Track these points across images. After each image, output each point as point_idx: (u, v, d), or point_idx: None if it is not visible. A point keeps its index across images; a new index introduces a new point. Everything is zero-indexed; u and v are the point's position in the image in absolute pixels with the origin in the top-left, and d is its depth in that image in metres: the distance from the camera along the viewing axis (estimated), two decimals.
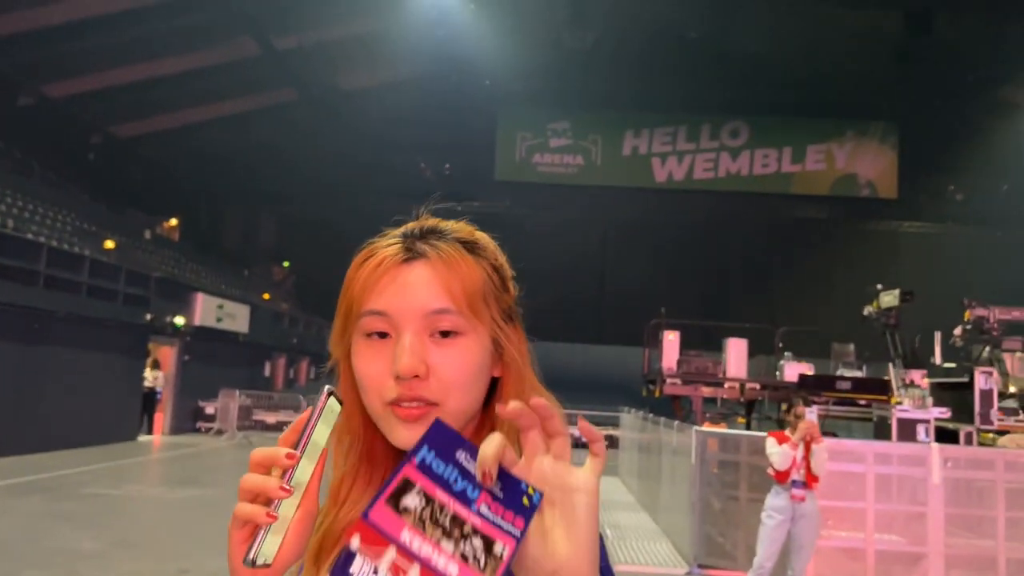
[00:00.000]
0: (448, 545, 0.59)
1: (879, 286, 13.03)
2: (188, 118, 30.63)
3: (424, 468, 0.61)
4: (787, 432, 5.52)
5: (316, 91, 30.54)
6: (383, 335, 0.79)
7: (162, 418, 17.40)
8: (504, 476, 0.62)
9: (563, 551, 0.61)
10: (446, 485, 0.61)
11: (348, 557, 0.57)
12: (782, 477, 5.37)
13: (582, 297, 33.42)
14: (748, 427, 12.62)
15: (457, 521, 0.60)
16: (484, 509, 0.61)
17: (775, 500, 5.41)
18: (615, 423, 19.36)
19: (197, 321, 17.90)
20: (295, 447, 0.70)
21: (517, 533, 0.60)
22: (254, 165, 29.71)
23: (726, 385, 12.83)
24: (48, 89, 26.67)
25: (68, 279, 13.77)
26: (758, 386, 12.96)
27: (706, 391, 12.77)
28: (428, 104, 32.06)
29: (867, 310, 13.12)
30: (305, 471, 0.71)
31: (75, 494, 9.59)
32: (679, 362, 13.26)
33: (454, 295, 0.79)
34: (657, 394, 13.15)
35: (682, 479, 7.83)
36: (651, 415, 10.94)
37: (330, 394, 0.74)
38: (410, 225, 0.86)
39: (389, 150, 34.04)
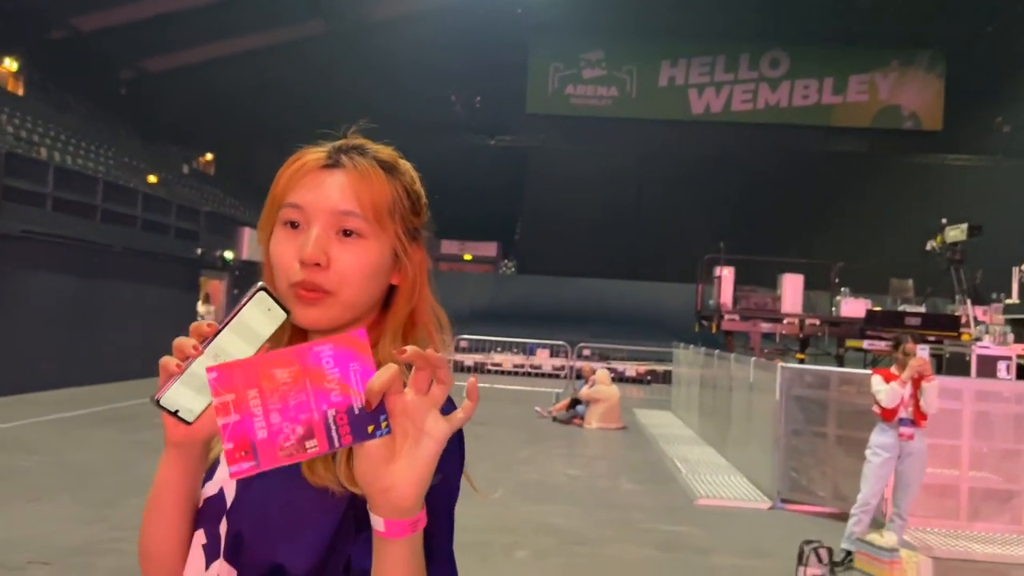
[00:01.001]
0: (275, 419, 0.68)
1: (944, 220, 12.72)
2: (217, 51, 30.27)
3: (313, 356, 0.69)
4: (893, 370, 5.41)
5: (344, 23, 29.92)
6: (296, 225, 0.90)
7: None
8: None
9: (399, 476, 0.71)
10: (318, 379, 0.69)
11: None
12: (889, 415, 5.29)
13: (617, 233, 33.14)
14: (803, 363, 12.54)
15: (300, 408, 0.68)
16: (330, 414, 0.68)
17: (881, 438, 5.34)
18: (659, 358, 19.41)
19: (245, 255, 17.98)
20: (224, 323, 0.78)
21: (330, 447, 0.68)
22: (284, 99, 29.40)
23: (785, 321, 12.73)
24: (78, 22, 26.39)
25: (123, 213, 13.81)
26: (818, 322, 12.85)
27: (765, 327, 12.68)
28: (458, 35, 31.37)
29: (930, 245, 12.85)
30: (241, 351, 0.76)
31: (149, 424, 9.78)
32: (736, 298, 13.15)
33: (362, 202, 0.90)
34: (714, 330, 13.10)
35: (760, 415, 7.80)
36: (717, 351, 10.89)
37: (261, 289, 0.80)
38: (340, 141, 0.96)
39: (418, 83, 33.48)
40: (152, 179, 20.29)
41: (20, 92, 21.93)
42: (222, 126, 30.98)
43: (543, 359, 20.00)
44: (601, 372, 11.81)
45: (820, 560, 4.95)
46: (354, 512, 0.82)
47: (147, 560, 0.92)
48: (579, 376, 15.17)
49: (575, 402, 12.01)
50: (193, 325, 0.81)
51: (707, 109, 36.54)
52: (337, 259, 0.89)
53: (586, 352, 18.26)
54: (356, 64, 30.95)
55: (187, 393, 0.77)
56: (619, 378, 17.75)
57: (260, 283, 0.81)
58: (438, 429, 0.72)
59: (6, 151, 11.08)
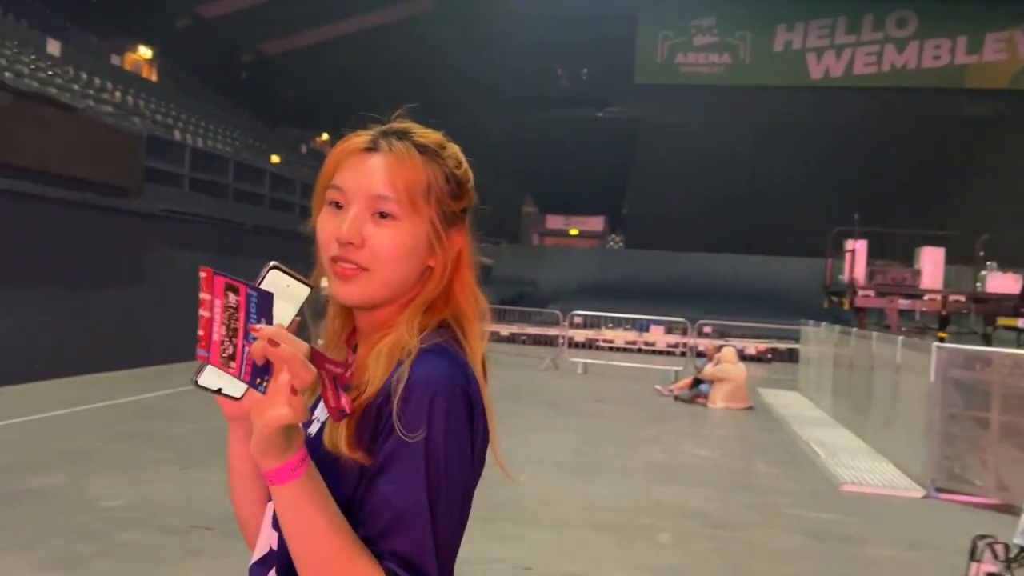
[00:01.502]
0: (221, 331, 0.79)
1: None
2: (330, 33, 31.00)
3: (244, 296, 0.79)
4: None
5: (451, 0, 30.01)
6: (339, 205, 0.95)
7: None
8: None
9: (254, 432, 0.81)
10: (246, 318, 0.79)
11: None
12: None
13: (730, 206, 32.07)
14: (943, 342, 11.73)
15: (233, 334, 0.79)
16: (246, 351, 0.79)
17: None
18: (779, 335, 18.70)
19: None
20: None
21: (239, 376, 0.80)
22: (394, 78, 29.79)
23: (926, 297, 11.94)
24: (202, 9, 27.56)
25: (253, 192, 14.35)
26: (963, 298, 11.98)
27: (903, 303, 11.93)
28: (564, 7, 30.96)
29: None
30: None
31: None
32: (870, 273, 12.43)
33: (395, 186, 0.94)
34: (846, 306, 12.43)
35: (909, 397, 7.33)
36: (854, 329, 10.33)
37: (273, 268, 0.83)
38: (387, 125, 1.00)
39: (525, 58, 33.25)
40: (275, 159, 21.03)
41: (154, 78, 23.14)
42: (336, 106, 31.70)
43: (657, 336, 19.62)
44: (727, 350, 11.43)
45: (996, 556, 4.57)
46: (363, 478, 0.89)
47: (242, 527, 1.05)
48: (700, 354, 14.81)
49: (697, 381, 11.70)
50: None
51: (827, 74, 34.71)
52: (371, 239, 0.94)
53: (707, 329, 17.78)
54: (463, 41, 31.04)
55: (222, 373, 0.81)
56: (738, 356, 17.23)
57: (272, 262, 0.85)
58: (256, 416, 0.80)
59: (147, 134, 11.66)
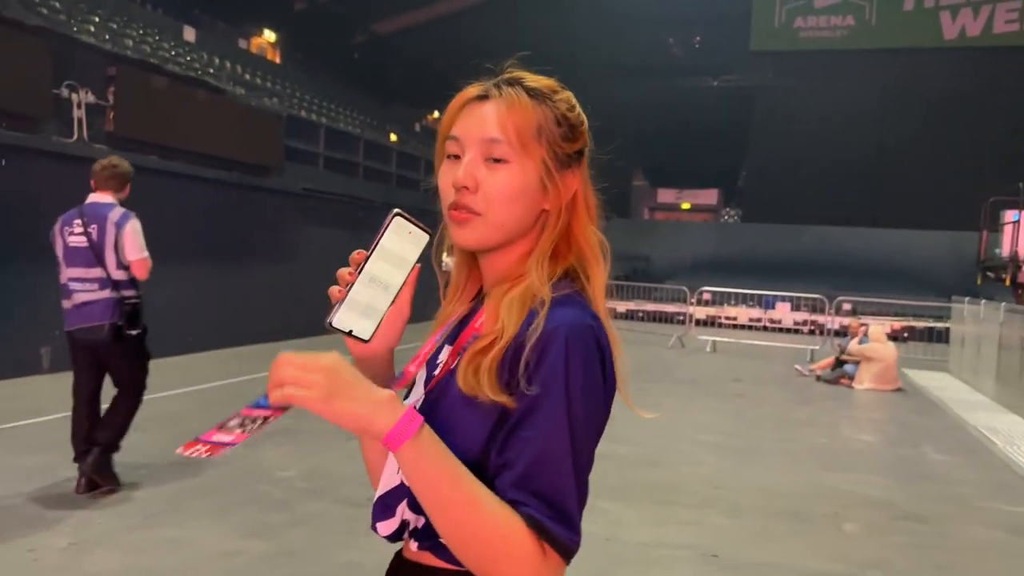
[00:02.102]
0: (240, 430, 0.86)
1: None
2: (440, 10, 31.13)
3: (253, 406, 0.88)
4: None
5: None
6: (456, 156, 1.01)
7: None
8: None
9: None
10: (261, 407, 0.88)
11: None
12: None
13: (856, 177, 30.40)
14: None
15: (254, 419, 0.88)
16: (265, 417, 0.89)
17: None
18: (915, 312, 17.63)
19: None
20: (370, 250, 0.91)
21: (285, 409, 0.87)
22: (503, 52, 29.44)
23: None
24: None
25: (380, 170, 14.57)
26: None
27: None
28: None
29: None
30: (394, 277, 0.92)
31: None
32: None
33: (505, 129, 0.98)
34: (1007, 282, 11.53)
35: None
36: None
37: (397, 215, 0.91)
38: (500, 76, 1.04)
39: (635, 27, 32.44)
40: (393, 137, 21.34)
41: (278, 60, 23.85)
42: (446, 83, 31.83)
43: (783, 313, 18.88)
44: (875, 328, 10.81)
45: None
46: (503, 419, 0.91)
47: (368, 468, 1.08)
48: (839, 333, 14.12)
49: (840, 361, 11.13)
50: (352, 255, 0.93)
51: (962, 33, 32.26)
52: (484, 182, 0.97)
53: (846, 307, 16.94)
54: (572, 12, 30.55)
55: (352, 315, 0.87)
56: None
57: (395, 210, 0.90)
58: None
59: (287, 114, 11.97)
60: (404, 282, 0.94)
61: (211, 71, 14.11)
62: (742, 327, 18.63)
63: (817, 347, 13.87)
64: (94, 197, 4.70)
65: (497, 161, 0.98)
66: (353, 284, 0.89)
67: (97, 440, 4.61)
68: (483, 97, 1.01)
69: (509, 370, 0.92)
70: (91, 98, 8.38)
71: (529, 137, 0.98)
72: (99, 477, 4.58)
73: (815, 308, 17.85)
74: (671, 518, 4.78)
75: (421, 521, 0.96)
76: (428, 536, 0.95)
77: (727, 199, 36.80)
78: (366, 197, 13.79)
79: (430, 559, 0.98)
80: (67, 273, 4.56)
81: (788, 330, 18.40)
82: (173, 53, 13.79)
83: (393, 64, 31.73)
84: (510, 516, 0.86)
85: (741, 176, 35.19)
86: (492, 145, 0.98)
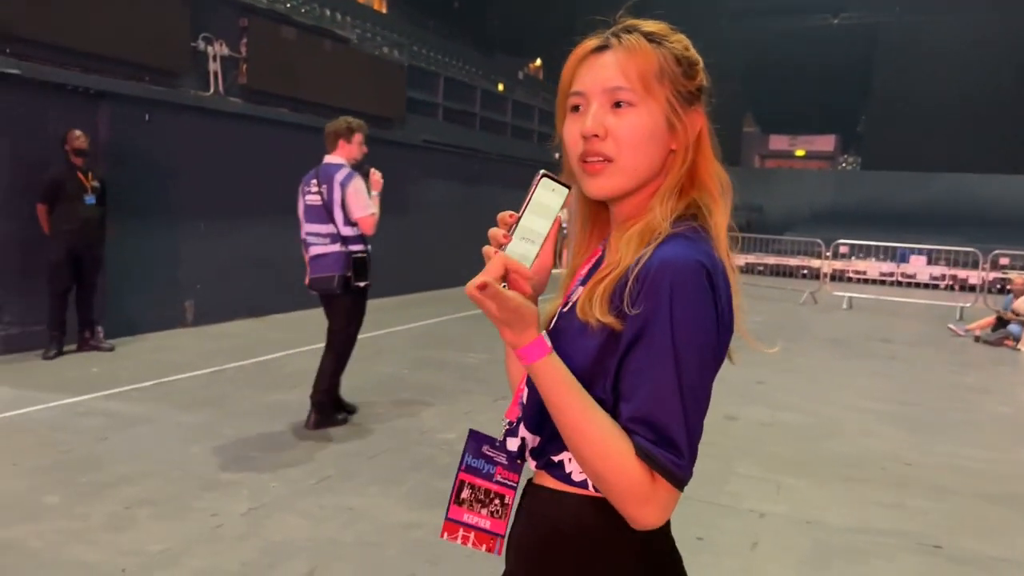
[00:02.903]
0: (484, 510, 1.12)
1: None
2: None
3: (469, 470, 1.12)
4: None
5: None
6: (579, 109, 1.05)
7: (566, 252, 18.04)
8: (503, 448, 1.14)
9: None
10: (479, 473, 1.12)
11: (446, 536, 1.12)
12: None
13: (992, 119, 27.98)
14: None
15: (487, 493, 1.12)
16: (499, 477, 1.13)
17: None
18: None
19: None
20: (523, 207, 0.97)
21: (514, 485, 1.14)
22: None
23: None
24: None
25: (496, 120, 14.21)
26: None
27: None
28: None
29: None
30: (540, 232, 0.97)
31: None
32: None
33: (628, 74, 1.01)
34: None
35: None
36: None
37: (544, 176, 0.98)
38: (615, 26, 1.07)
39: None
40: (500, 87, 20.88)
41: (384, 10, 23.64)
42: (546, 31, 30.95)
43: (918, 267, 17.65)
44: None
45: None
46: (612, 342, 0.97)
47: (511, 384, 1.20)
48: (1000, 289, 13.04)
49: (1001, 320, 10.20)
50: (499, 215, 1.00)
51: None
52: (613, 128, 1.01)
53: (1003, 261, 15.66)
54: None
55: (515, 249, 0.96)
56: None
57: (541, 171, 0.99)
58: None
59: (408, 63, 11.72)
60: (547, 235, 0.98)
61: (335, 21, 13.98)
62: (873, 282, 17.52)
63: (967, 305, 12.83)
64: (327, 158, 5.07)
65: (623, 106, 1.00)
66: (507, 244, 0.96)
67: (311, 397, 5.15)
68: (601, 48, 1.03)
69: (620, 297, 0.96)
70: (225, 50, 8.32)
71: (652, 79, 1.01)
72: (321, 421, 5.11)
73: (955, 262, 16.60)
74: (867, 499, 4.34)
75: (536, 440, 1.06)
76: (541, 455, 1.05)
77: (845, 146, 34.76)
78: (483, 149, 13.48)
79: (546, 479, 1.06)
80: (305, 228, 5.01)
81: (924, 285, 17.22)
82: (291, 4, 13.71)
83: (493, 12, 31.08)
84: (622, 438, 0.93)
85: (861, 121, 33.06)
86: (616, 92, 1.00)
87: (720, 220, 1.03)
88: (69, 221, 6.62)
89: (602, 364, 0.97)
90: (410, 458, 4.65)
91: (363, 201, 4.94)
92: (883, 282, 17.55)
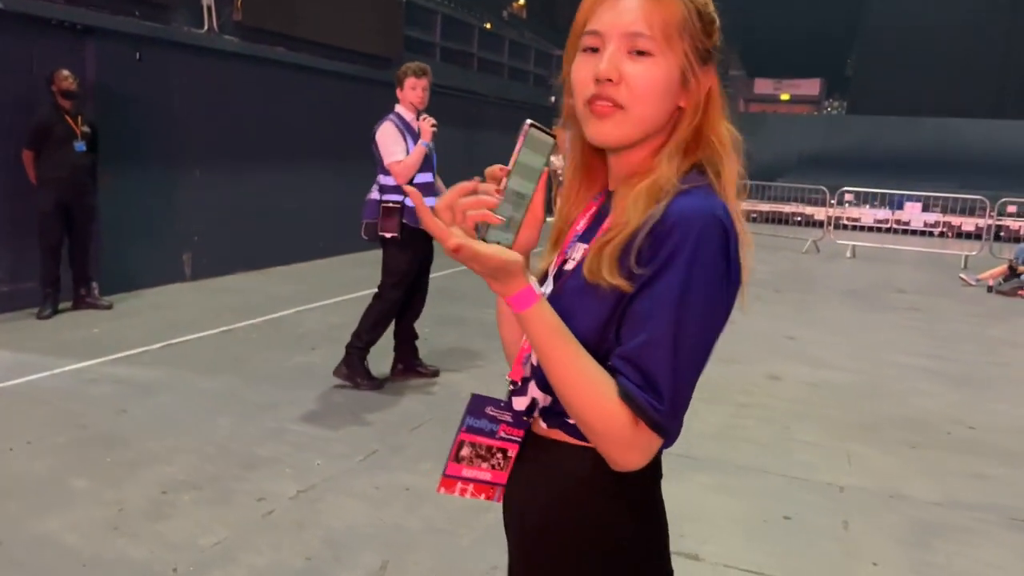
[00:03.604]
0: (485, 464, 1.13)
1: None
2: None
3: (470, 430, 1.11)
4: None
5: None
6: (595, 50, 1.00)
7: (559, 200, 17.64)
8: (508, 408, 1.12)
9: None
10: (481, 432, 1.11)
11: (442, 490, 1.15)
12: None
13: (982, 66, 27.74)
14: None
15: (488, 449, 1.12)
16: (502, 434, 1.12)
17: None
18: None
19: None
20: (509, 166, 0.94)
21: (519, 439, 1.13)
22: None
23: None
24: None
25: (493, 61, 13.61)
26: None
27: None
28: None
29: None
30: (526, 187, 0.95)
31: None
32: None
33: (651, 23, 0.97)
34: None
35: None
36: None
37: (531, 126, 0.94)
38: None
39: None
40: (488, 25, 20.09)
41: None
42: None
43: (912, 213, 17.50)
44: None
45: None
46: (620, 304, 0.96)
47: (505, 346, 1.21)
48: (998, 237, 12.90)
49: (1014, 270, 10.08)
50: (488, 170, 0.96)
51: None
52: (628, 75, 0.97)
53: (1011, 208, 15.54)
54: None
55: (497, 231, 0.93)
56: (1009, 238, 15.04)
57: (527, 120, 0.94)
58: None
59: (405, 0, 11.07)
60: (536, 188, 0.96)
61: None
62: (868, 229, 17.36)
63: (973, 253, 12.72)
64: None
65: (641, 54, 0.98)
66: (499, 203, 0.94)
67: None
68: None
69: (629, 256, 0.94)
70: None
71: (674, 31, 0.98)
72: (345, 372, 4.87)
73: (952, 209, 16.48)
74: (944, 468, 4.13)
75: (548, 400, 1.06)
76: (555, 415, 1.06)
77: (830, 90, 34.41)
78: (480, 91, 12.93)
79: (559, 435, 1.07)
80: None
81: (918, 232, 17.11)
82: None
83: None
84: (607, 384, 0.93)
85: (849, 64, 32.67)
86: (636, 39, 0.97)
87: (730, 180, 1.01)
88: (58, 169, 6.10)
89: (610, 324, 0.97)
90: (456, 427, 4.34)
91: (389, 147, 4.67)
92: (878, 229, 17.41)
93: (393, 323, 5.05)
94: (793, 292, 9.29)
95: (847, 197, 15.96)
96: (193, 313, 6.74)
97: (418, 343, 5.25)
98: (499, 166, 0.95)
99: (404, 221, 4.75)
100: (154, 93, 7.23)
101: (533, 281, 0.95)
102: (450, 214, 0.93)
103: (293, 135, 8.98)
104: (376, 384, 4.90)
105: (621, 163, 1.05)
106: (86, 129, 6.20)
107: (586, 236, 1.08)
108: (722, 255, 0.93)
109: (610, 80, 0.97)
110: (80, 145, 6.15)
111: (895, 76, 28.97)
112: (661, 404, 0.91)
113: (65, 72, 6.01)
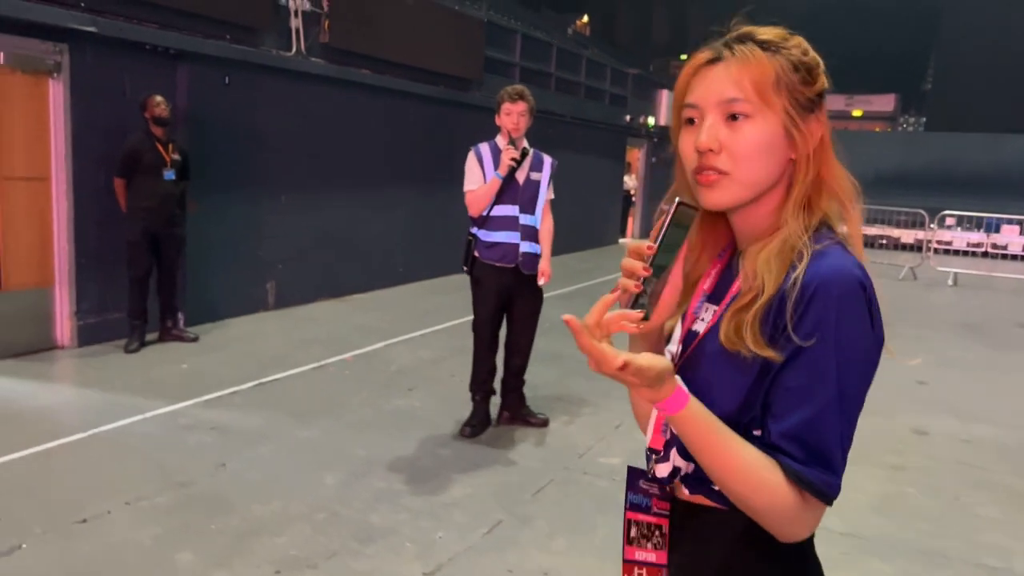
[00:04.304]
0: (648, 544, 1.11)
1: None
2: None
3: (632, 507, 1.12)
4: None
5: None
6: (693, 122, 1.02)
7: (632, 222, 17.16)
8: (655, 479, 1.11)
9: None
10: (639, 508, 1.11)
11: None
12: None
13: None
14: None
15: (648, 527, 1.11)
16: (656, 509, 1.11)
17: None
18: None
19: (662, 120, 16.84)
20: (655, 242, 0.95)
21: (668, 513, 1.12)
22: None
23: None
24: None
25: (569, 80, 13.24)
26: None
27: None
28: None
29: None
30: (667, 258, 0.95)
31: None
32: None
33: (742, 86, 0.97)
34: None
35: None
36: None
37: (679, 204, 0.94)
38: (729, 35, 1.02)
39: None
40: (573, 29, 19.76)
41: None
42: None
43: (1010, 237, 16.52)
44: None
45: None
46: (765, 372, 0.95)
47: (638, 418, 1.18)
48: None
49: None
50: (633, 246, 0.96)
51: None
52: (728, 142, 0.97)
53: None
54: None
55: (644, 304, 0.95)
56: None
57: (676, 199, 0.95)
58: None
59: (486, 19, 10.76)
60: (675, 260, 0.97)
61: None
62: (961, 253, 16.42)
63: None
64: None
65: (738, 118, 0.97)
66: (647, 277, 0.94)
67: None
68: (715, 60, 0.99)
69: (773, 323, 0.93)
70: (307, 5, 7.46)
71: (768, 88, 0.96)
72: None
73: None
74: None
75: (691, 467, 1.04)
76: (699, 482, 1.04)
77: (906, 104, 33.12)
78: (557, 111, 12.55)
79: (703, 500, 1.05)
80: None
81: (1018, 258, 16.13)
82: None
83: None
84: (770, 468, 0.92)
85: (927, 78, 31.41)
86: (731, 104, 0.97)
87: (856, 231, 1.01)
88: (147, 198, 5.89)
89: (755, 393, 0.96)
90: (582, 492, 3.91)
91: (466, 176, 4.51)
92: (972, 253, 16.46)
93: (498, 364, 4.67)
94: (907, 327, 8.60)
95: (948, 221, 15.08)
96: (280, 346, 6.46)
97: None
98: (645, 243, 0.96)
99: (476, 255, 4.46)
100: (240, 117, 7.02)
101: (680, 381, 0.94)
102: (599, 331, 0.93)
103: (374, 158, 8.71)
104: (475, 431, 4.53)
105: (744, 222, 1.04)
106: (176, 157, 5.99)
107: (715, 296, 1.07)
108: (866, 314, 0.92)
109: (711, 150, 0.98)
110: (170, 173, 5.93)
111: (975, 91, 27.66)
112: (834, 477, 0.91)
113: (159, 98, 5.81)
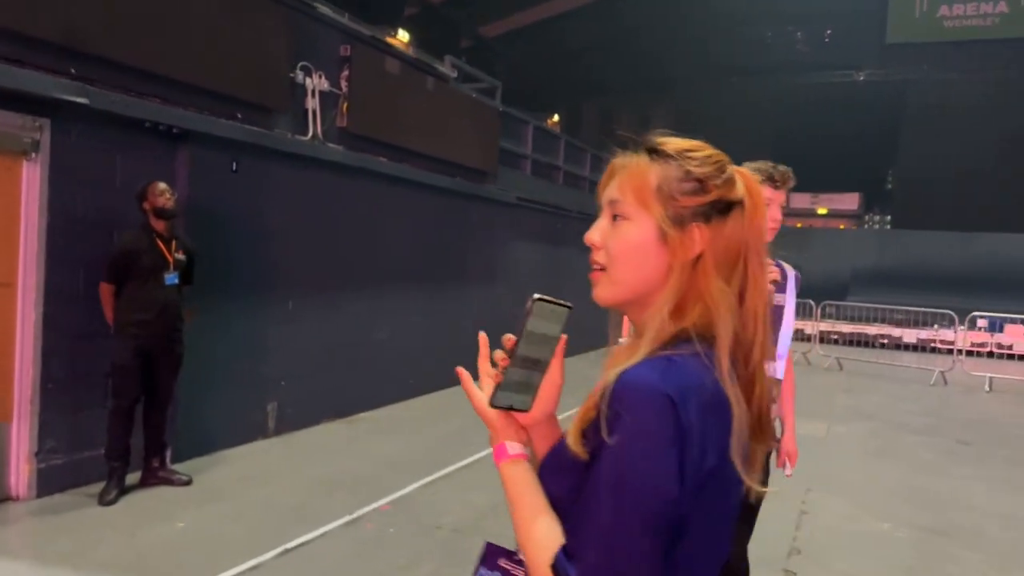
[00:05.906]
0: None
1: None
2: (548, 11, 29.21)
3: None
4: None
5: None
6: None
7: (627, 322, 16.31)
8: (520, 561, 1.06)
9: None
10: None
11: None
12: None
13: (1001, 181, 26.91)
14: None
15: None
16: None
17: None
18: None
19: None
20: (518, 335, 0.98)
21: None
22: (615, 55, 27.81)
23: None
24: None
25: (575, 174, 12.58)
26: None
27: None
28: None
29: None
30: (544, 353, 0.99)
31: None
32: None
33: (623, 190, 1.03)
34: None
35: None
36: None
37: (537, 300, 0.97)
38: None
39: (757, 26, 29.91)
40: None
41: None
42: (561, 85, 29.84)
43: (1015, 336, 16.07)
44: None
45: None
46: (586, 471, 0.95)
47: None
48: None
49: None
50: (504, 338, 1.00)
51: None
52: (606, 239, 1.03)
53: None
54: (685, 14, 28.06)
55: (509, 393, 0.99)
56: None
57: (534, 295, 0.98)
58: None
59: (501, 109, 10.02)
60: (553, 354, 1.00)
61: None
62: (963, 353, 15.89)
63: None
64: None
65: (618, 219, 1.02)
66: (507, 367, 0.97)
67: None
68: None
69: (590, 425, 0.95)
70: (325, 84, 6.53)
71: (647, 194, 0.99)
72: None
73: None
74: None
75: None
76: None
77: (869, 203, 33.66)
78: (564, 206, 11.80)
79: None
80: None
81: (1019, 357, 15.65)
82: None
83: (501, 67, 29.89)
84: (550, 548, 0.93)
85: (889, 178, 32.04)
86: (614, 205, 1.03)
87: (723, 346, 0.96)
88: (143, 309, 4.71)
89: (578, 488, 0.95)
90: None
91: None
92: (977, 353, 15.94)
93: None
94: (985, 446, 7.70)
95: (980, 323, 14.54)
96: (295, 490, 5.18)
97: None
98: (510, 336, 0.99)
99: None
100: (247, 209, 5.94)
101: (507, 443, 1.02)
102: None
103: (388, 255, 7.66)
104: None
105: (636, 322, 1.05)
106: (180, 257, 4.86)
107: None
108: (668, 439, 0.87)
109: (594, 245, 1.04)
110: (172, 277, 4.78)
111: (936, 191, 28.21)
112: (574, 571, 0.90)
113: (162, 186, 4.71)
